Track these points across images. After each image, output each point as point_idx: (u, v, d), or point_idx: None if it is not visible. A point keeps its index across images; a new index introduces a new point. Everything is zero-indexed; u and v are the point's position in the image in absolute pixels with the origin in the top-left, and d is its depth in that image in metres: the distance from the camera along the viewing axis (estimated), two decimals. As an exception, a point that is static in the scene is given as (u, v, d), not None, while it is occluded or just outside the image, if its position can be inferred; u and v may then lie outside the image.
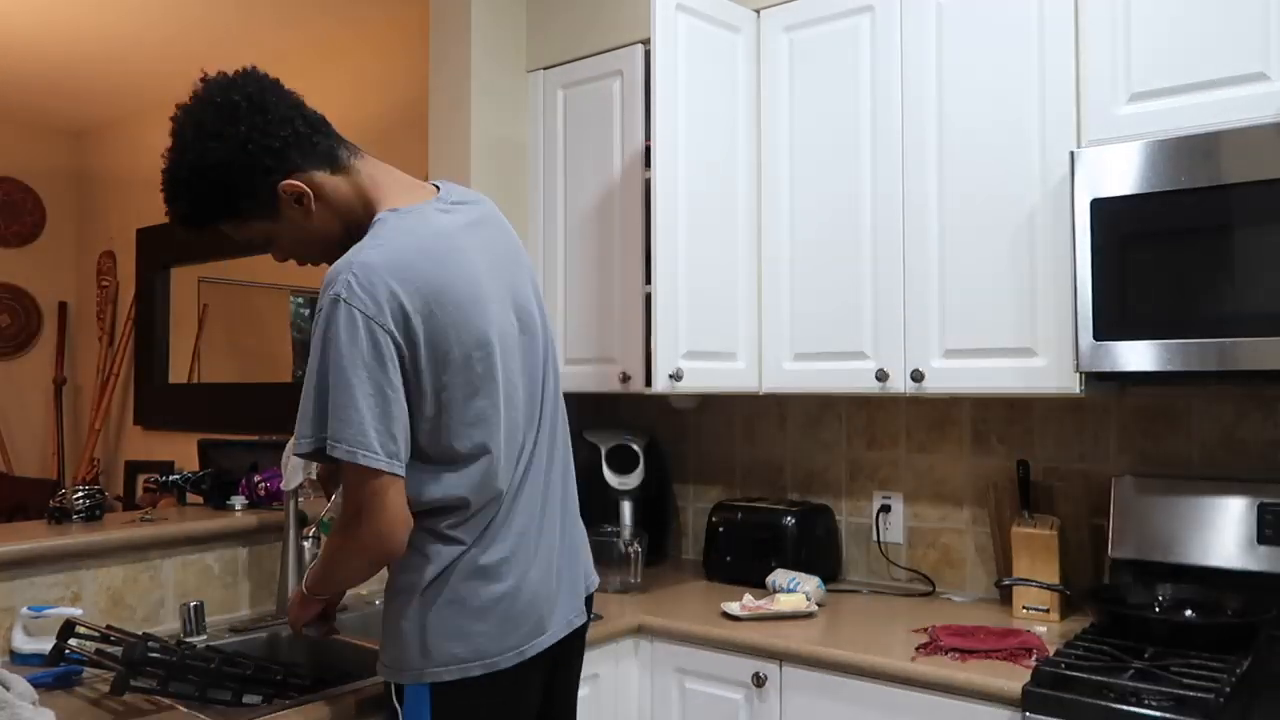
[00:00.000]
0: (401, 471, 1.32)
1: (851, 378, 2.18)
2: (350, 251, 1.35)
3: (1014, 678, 1.64)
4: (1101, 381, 1.94)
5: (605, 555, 2.29)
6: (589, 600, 1.63)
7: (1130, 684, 1.54)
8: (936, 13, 2.08)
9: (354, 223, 1.44)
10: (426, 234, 1.39)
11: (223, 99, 1.37)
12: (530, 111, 2.72)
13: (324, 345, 1.30)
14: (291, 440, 1.40)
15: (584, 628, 1.61)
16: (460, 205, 1.48)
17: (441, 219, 1.43)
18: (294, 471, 2.09)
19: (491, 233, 1.51)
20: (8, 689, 1.40)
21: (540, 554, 1.47)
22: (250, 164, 1.37)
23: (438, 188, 1.50)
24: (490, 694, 1.41)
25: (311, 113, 1.44)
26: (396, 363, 1.31)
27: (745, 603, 2.09)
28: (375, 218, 1.41)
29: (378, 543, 1.33)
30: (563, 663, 1.56)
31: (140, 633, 1.71)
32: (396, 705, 1.41)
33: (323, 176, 1.42)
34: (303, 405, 1.33)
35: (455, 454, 1.38)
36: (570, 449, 1.61)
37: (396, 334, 1.30)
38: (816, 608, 2.12)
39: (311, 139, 1.41)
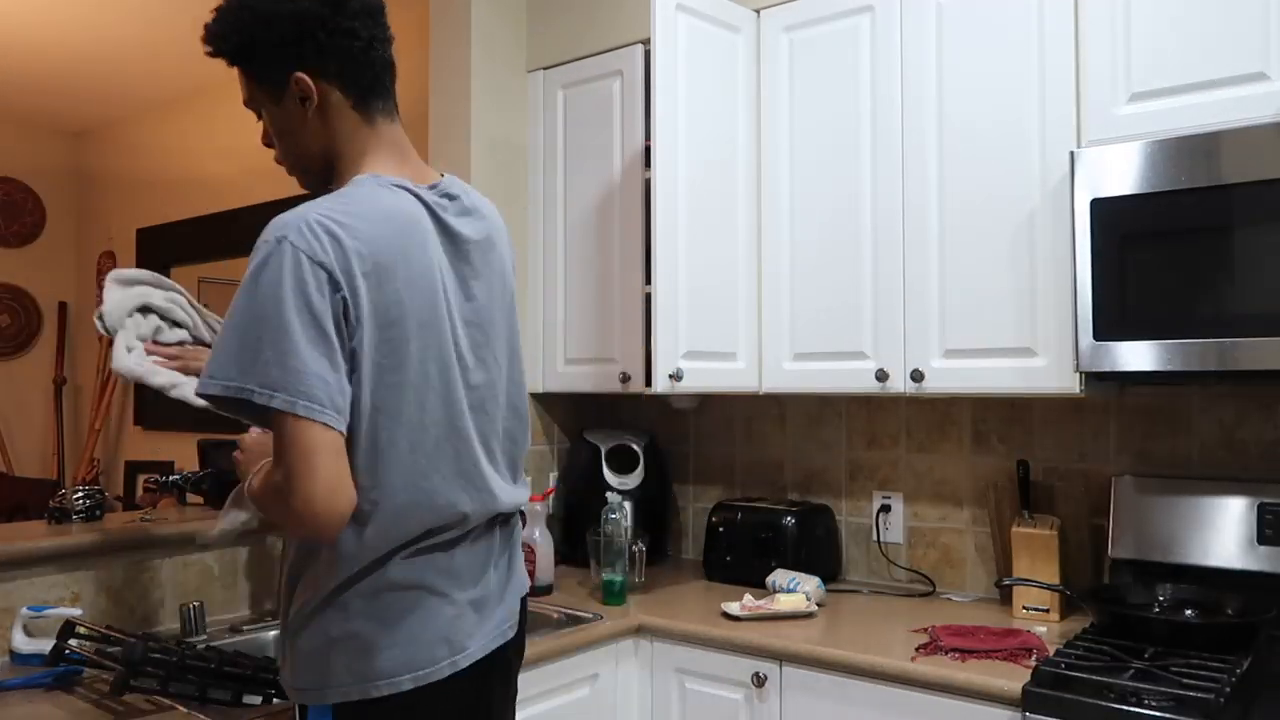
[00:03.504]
0: (343, 428, 1.17)
1: (851, 378, 2.18)
2: (309, 204, 1.23)
3: (1014, 678, 1.64)
4: (1101, 381, 1.94)
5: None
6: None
7: (1130, 684, 1.54)
8: (936, 13, 2.08)
9: (332, 163, 1.35)
10: (393, 206, 1.27)
11: None
12: (530, 111, 2.72)
13: (256, 283, 1.16)
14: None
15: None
16: (451, 202, 1.37)
17: (413, 203, 1.31)
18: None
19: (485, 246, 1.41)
20: None
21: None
22: (284, 38, 1.28)
23: (442, 176, 1.40)
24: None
25: (382, 49, 1.34)
26: (339, 315, 1.18)
27: (745, 603, 2.09)
28: (354, 179, 1.31)
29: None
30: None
31: (140, 633, 1.71)
32: None
33: (339, 100, 1.31)
34: (217, 343, 1.18)
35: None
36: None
37: (343, 287, 1.18)
38: (816, 608, 2.12)
39: (356, 63, 1.31)
